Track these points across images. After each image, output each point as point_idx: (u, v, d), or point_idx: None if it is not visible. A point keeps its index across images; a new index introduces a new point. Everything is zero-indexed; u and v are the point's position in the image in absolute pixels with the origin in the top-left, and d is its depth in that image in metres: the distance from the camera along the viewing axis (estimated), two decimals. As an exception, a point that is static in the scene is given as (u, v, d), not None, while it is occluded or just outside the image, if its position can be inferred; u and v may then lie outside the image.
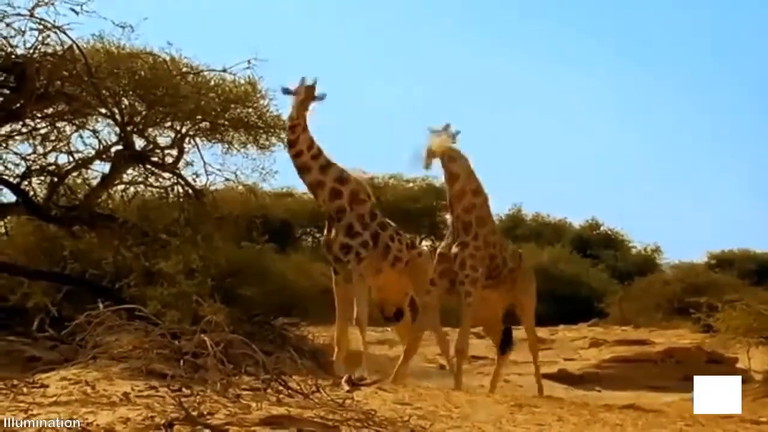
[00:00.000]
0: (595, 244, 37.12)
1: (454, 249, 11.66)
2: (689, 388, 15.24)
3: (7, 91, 12.00)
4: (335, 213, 11.43)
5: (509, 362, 14.52)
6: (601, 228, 39.12)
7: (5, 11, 11.34)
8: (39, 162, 13.10)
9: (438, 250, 11.98)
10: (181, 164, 13.58)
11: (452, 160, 11.68)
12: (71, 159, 13.22)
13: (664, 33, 58.95)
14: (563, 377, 16.54)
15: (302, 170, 11.31)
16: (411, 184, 33.93)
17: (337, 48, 54.38)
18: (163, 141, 13.56)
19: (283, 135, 13.47)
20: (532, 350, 13.18)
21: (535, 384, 13.04)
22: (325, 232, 11.64)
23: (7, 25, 11.42)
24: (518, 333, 13.54)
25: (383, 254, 11.65)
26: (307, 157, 11.25)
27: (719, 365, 16.40)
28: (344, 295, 11.65)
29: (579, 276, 31.44)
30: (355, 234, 11.41)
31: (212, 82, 13.24)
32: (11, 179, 12.95)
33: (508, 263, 12.30)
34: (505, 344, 12.94)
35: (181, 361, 6.75)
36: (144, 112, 13.02)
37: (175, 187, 13.61)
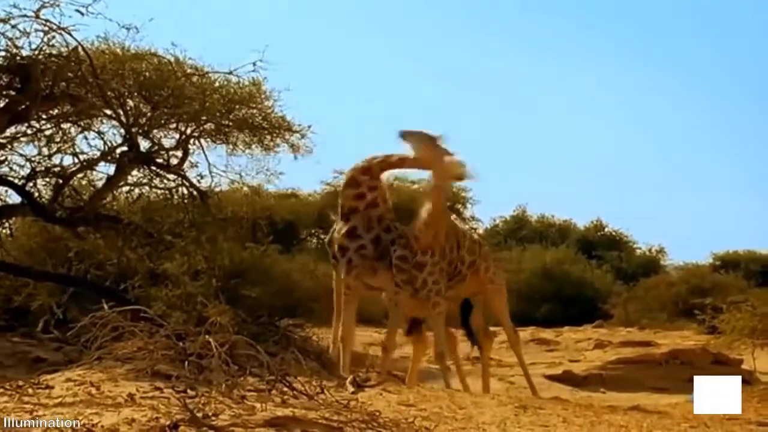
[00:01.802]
0: (600, 245, 37.12)
1: (414, 271, 11.62)
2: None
3: (12, 93, 12.00)
4: (347, 211, 11.90)
5: (513, 364, 14.50)
6: (606, 229, 39.15)
7: (10, 13, 11.32)
8: (44, 163, 13.10)
9: (393, 261, 11.82)
10: (185, 165, 13.57)
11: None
12: (76, 160, 13.21)
13: (670, 32, 58.94)
14: (568, 378, 16.51)
15: (363, 172, 11.87)
16: (415, 186, 33.89)
17: (340, 48, 54.41)
18: (167, 142, 13.56)
19: (287, 136, 13.51)
20: (513, 347, 13.04)
21: (537, 385, 13.02)
22: (337, 226, 11.94)
23: (12, 26, 11.40)
24: (523, 335, 13.51)
25: (381, 256, 11.79)
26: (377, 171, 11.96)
27: (724, 366, 16.36)
28: (339, 291, 12.11)
29: (584, 277, 31.43)
30: (355, 237, 11.62)
31: (217, 84, 13.24)
32: (16, 181, 12.95)
33: (467, 260, 12.23)
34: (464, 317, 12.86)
35: (186, 363, 6.76)
36: (149, 114, 13.01)
37: (180, 189, 13.60)
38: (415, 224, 11.73)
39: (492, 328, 13.81)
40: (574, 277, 30.94)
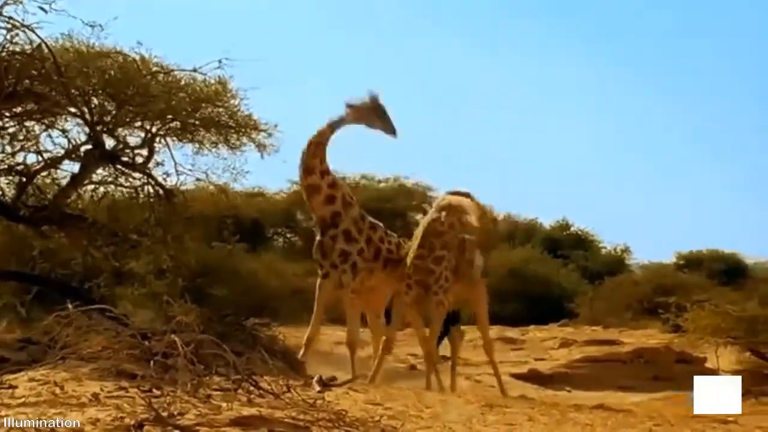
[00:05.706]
0: (566, 244, 37.23)
1: (431, 265, 11.71)
2: (658, 388, 15.45)
3: (-26, 90, 11.88)
4: (330, 218, 11.56)
5: (481, 363, 14.55)
6: (572, 228, 39.27)
7: (-27, 10, 11.23)
8: (7, 161, 12.99)
9: (411, 260, 11.90)
10: (151, 164, 13.51)
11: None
12: (40, 158, 13.11)
13: (635, 30, 59.39)
14: (534, 377, 16.59)
15: (307, 171, 11.56)
16: (382, 185, 33.91)
17: (307, 45, 54.38)
18: (133, 141, 13.49)
19: (254, 134, 13.47)
20: (487, 349, 13.11)
21: (506, 384, 13.07)
22: (318, 236, 11.77)
23: (-25, 23, 11.31)
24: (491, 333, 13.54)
25: (375, 256, 11.82)
26: (317, 162, 11.58)
27: (688, 365, 16.50)
28: (327, 299, 11.90)
29: (550, 276, 31.53)
30: (353, 240, 11.59)
31: (183, 82, 13.17)
32: (-21, 179, 12.85)
33: (467, 257, 12.35)
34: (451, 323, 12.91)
35: (152, 362, 6.73)
36: (114, 112, 12.94)
37: (146, 187, 13.54)
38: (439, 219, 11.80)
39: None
40: (540, 276, 31.04)
